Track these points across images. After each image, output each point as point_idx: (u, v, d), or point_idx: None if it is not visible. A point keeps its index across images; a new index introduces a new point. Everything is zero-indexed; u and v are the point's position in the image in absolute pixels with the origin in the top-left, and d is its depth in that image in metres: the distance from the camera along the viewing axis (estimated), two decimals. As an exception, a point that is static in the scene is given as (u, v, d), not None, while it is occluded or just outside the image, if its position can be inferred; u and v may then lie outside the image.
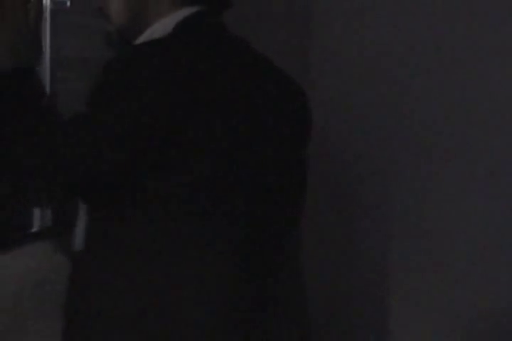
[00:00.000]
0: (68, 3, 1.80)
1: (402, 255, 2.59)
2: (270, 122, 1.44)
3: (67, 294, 1.43)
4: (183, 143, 1.32)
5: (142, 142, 1.31)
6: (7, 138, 1.32)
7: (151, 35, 1.46)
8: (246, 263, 1.39)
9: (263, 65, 1.50)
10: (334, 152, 2.70)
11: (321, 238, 2.66)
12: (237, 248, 1.38)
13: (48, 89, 1.80)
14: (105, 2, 1.49)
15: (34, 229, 1.78)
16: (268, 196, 1.43)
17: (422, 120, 2.54)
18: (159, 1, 1.47)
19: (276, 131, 1.45)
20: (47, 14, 1.78)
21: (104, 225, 1.37)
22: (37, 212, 1.78)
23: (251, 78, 1.44)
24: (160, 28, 1.46)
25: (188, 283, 1.34)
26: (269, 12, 2.55)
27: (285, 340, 1.45)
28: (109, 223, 1.37)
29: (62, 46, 1.82)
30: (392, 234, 2.62)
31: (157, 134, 1.31)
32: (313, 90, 2.67)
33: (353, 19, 2.61)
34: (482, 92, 2.48)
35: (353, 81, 2.63)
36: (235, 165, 1.37)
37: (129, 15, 1.48)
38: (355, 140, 2.66)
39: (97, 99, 1.35)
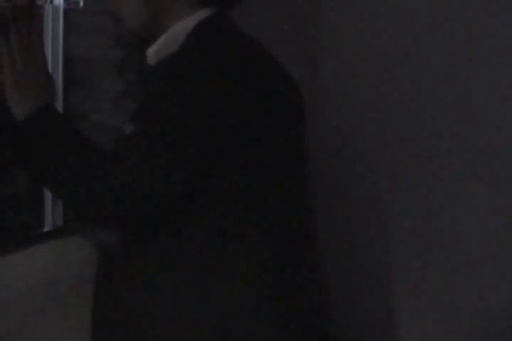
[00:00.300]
0: (81, 3, 1.80)
1: (406, 255, 2.59)
2: (289, 122, 1.48)
3: (102, 293, 1.45)
4: (230, 152, 1.35)
5: (208, 157, 1.33)
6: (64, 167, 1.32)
7: (168, 38, 1.47)
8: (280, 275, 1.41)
9: (274, 62, 1.52)
10: (336, 152, 2.70)
11: (324, 238, 2.66)
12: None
13: (60, 89, 1.80)
14: (118, 6, 1.49)
15: (45, 229, 1.79)
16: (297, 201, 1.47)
17: (424, 120, 2.54)
18: (175, 4, 1.47)
19: (294, 131, 1.50)
20: (60, 14, 1.78)
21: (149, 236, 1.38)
22: (48, 212, 1.78)
23: (271, 79, 1.47)
24: (177, 30, 1.46)
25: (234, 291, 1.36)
26: (275, 13, 2.55)
27: None
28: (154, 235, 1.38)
29: (75, 46, 1.82)
30: (396, 234, 2.62)
31: (218, 147, 1.33)
32: (320, 90, 2.68)
33: (359, 20, 2.61)
34: (483, 93, 2.47)
35: (357, 81, 2.63)
36: (268, 172, 1.40)
37: (145, 19, 1.48)
38: (357, 140, 2.66)
39: (152, 113, 1.34)
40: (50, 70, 1.44)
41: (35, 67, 1.39)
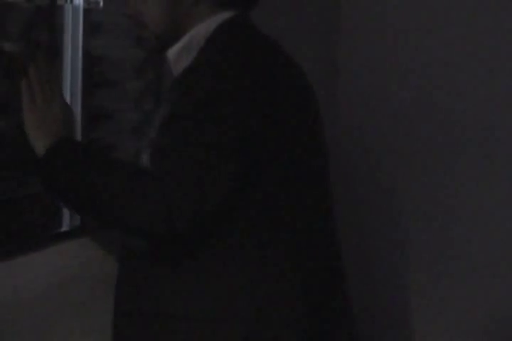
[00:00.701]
0: (101, 3, 1.80)
1: (419, 255, 2.58)
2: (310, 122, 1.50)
3: (123, 295, 1.47)
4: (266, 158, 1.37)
5: (246, 170, 1.34)
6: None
7: (189, 41, 1.48)
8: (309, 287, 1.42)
9: (294, 63, 1.54)
10: (349, 152, 2.70)
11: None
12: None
13: (79, 88, 1.80)
14: (138, 9, 1.49)
15: (63, 229, 1.79)
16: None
17: (448, 131, 2.55)
18: (196, 7, 1.48)
19: (317, 141, 1.51)
20: (80, 14, 1.77)
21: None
22: (66, 212, 1.78)
23: (294, 85, 1.49)
24: (199, 33, 1.48)
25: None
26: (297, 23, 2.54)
27: None
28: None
29: (95, 46, 1.82)
30: (408, 235, 2.61)
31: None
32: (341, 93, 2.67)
33: (380, 29, 2.61)
34: (507, 103, 2.46)
35: (377, 90, 2.63)
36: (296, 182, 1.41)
37: (167, 21, 1.49)
38: (368, 140, 2.66)
39: (187, 129, 1.33)
40: (68, 102, 1.47)
41: (53, 103, 1.42)
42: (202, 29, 1.48)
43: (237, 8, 1.50)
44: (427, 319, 2.59)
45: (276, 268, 1.39)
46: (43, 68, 1.44)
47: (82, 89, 1.80)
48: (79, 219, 1.80)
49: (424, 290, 2.60)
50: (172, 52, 1.52)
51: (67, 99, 1.65)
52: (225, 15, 1.49)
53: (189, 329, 1.38)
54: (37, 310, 1.62)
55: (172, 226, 1.29)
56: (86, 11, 1.78)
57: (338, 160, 2.53)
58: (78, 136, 1.69)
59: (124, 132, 1.95)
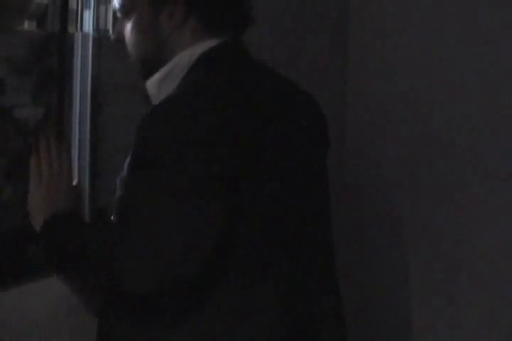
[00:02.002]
0: (111, 31, 1.82)
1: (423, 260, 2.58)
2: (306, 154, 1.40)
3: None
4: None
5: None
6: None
7: (173, 68, 1.37)
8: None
9: (291, 89, 1.45)
10: (354, 162, 2.70)
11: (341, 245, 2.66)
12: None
13: (88, 115, 1.82)
14: (123, 34, 1.41)
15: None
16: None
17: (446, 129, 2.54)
18: (178, 33, 1.37)
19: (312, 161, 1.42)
20: (89, 42, 1.80)
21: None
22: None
23: (285, 107, 1.39)
24: (183, 60, 1.37)
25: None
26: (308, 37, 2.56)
27: None
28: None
29: (105, 72, 1.84)
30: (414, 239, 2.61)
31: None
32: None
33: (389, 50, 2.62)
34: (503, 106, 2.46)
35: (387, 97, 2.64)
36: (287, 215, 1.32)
37: (148, 47, 1.39)
38: (376, 150, 2.67)
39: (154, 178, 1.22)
40: (77, 181, 1.43)
41: (61, 182, 1.39)
42: (186, 56, 1.37)
43: (224, 34, 1.38)
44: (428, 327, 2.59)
45: (265, 323, 1.30)
46: (52, 146, 1.41)
47: (91, 113, 1.83)
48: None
49: (425, 301, 2.60)
50: (151, 81, 1.41)
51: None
52: (211, 42, 1.37)
53: None
54: (47, 333, 1.62)
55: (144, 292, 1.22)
56: (96, 39, 1.80)
57: (342, 179, 2.55)
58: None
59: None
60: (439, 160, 2.55)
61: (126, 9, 1.39)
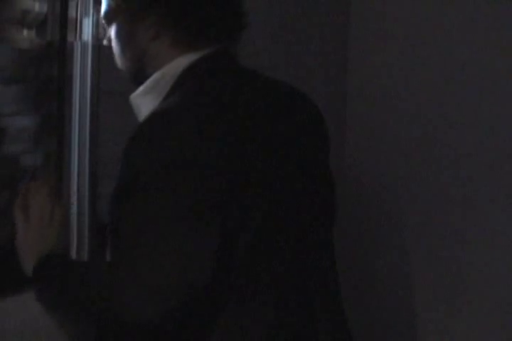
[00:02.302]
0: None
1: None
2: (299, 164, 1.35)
3: None
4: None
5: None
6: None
7: (156, 83, 1.34)
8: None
9: (286, 96, 1.41)
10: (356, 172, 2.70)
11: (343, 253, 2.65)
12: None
13: (88, 122, 1.81)
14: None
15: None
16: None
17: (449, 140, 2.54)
18: (156, 47, 1.33)
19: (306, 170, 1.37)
20: (89, 50, 1.80)
21: None
22: (73, 248, 1.78)
23: (279, 116, 1.34)
24: (167, 74, 1.33)
25: None
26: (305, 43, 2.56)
27: None
28: None
29: (104, 80, 1.84)
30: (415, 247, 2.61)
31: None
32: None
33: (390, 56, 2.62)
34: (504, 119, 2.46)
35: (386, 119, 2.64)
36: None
37: (129, 59, 1.38)
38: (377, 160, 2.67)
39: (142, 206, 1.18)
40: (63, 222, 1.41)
41: (51, 224, 1.38)
42: (170, 70, 1.33)
43: (212, 44, 1.33)
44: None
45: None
46: (44, 186, 1.40)
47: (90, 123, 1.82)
48: (86, 253, 1.80)
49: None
50: (135, 95, 1.39)
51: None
52: (196, 54, 1.33)
53: None
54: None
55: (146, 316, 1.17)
56: (95, 47, 1.80)
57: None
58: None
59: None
60: (440, 162, 2.55)
61: (108, 18, 1.39)
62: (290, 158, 1.33)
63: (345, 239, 2.58)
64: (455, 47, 2.50)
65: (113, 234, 1.25)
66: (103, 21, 1.40)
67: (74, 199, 1.79)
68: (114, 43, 1.38)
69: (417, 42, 2.56)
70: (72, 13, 1.73)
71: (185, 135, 1.20)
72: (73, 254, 1.78)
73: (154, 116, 1.25)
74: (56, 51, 1.72)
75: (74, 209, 1.77)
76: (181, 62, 1.32)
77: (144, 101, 1.36)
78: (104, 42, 1.43)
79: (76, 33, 1.75)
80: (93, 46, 1.80)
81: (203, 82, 1.30)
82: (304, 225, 1.34)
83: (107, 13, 1.39)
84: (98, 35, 1.78)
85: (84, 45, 1.78)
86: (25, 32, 1.66)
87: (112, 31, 1.38)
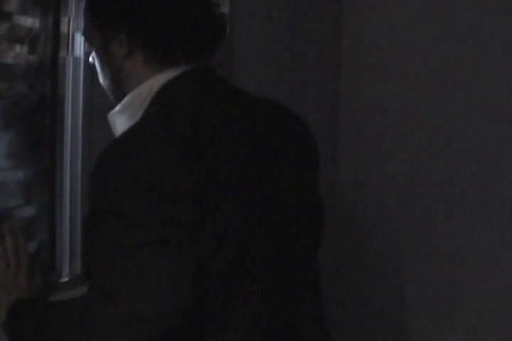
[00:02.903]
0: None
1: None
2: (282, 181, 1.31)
3: None
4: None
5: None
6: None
7: (132, 102, 1.31)
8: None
9: (270, 115, 1.36)
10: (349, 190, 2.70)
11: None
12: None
13: (80, 136, 1.81)
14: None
15: (64, 279, 1.78)
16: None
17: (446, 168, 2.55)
18: (132, 65, 1.30)
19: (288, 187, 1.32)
20: (81, 65, 1.80)
21: None
22: (66, 263, 1.78)
23: (261, 136, 1.30)
24: (142, 93, 1.30)
25: None
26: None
27: None
28: None
29: (96, 95, 1.83)
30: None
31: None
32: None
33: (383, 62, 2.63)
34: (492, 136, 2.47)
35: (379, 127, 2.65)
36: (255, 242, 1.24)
37: (107, 77, 1.35)
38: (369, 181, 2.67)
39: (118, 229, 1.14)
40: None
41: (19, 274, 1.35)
42: (146, 88, 1.29)
43: (190, 62, 1.30)
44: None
45: None
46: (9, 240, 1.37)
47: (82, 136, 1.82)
48: (79, 268, 1.80)
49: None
50: (112, 114, 1.35)
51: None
52: (173, 72, 1.29)
53: None
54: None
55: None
56: (87, 63, 1.80)
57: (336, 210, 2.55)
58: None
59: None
60: (433, 174, 2.56)
61: (85, 36, 1.38)
62: (271, 179, 1.30)
63: (336, 251, 2.58)
64: (448, 64, 2.51)
65: (88, 264, 1.22)
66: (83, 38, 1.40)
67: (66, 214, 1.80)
68: (94, 61, 1.37)
69: (408, 56, 2.58)
70: (64, 28, 1.73)
71: (156, 158, 1.17)
72: (66, 271, 1.80)
73: (121, 139, 1.22)
74: (48, 66, 1.71)
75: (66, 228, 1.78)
76: (158, 81, 1.29)
77: (121, 119, 1.33)
78: (90, 59, 1.41)
79: (68, 48, 1.75)
80: (85, 61, 1.80)
81: (177, 101, 1.27)
82: (285, 248, 1.32)
83: (84, 30, 1.38)
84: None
85: (76, 60, 1.78)
86: (17, 48, 1.66)
87: (92, 50, 1.38)
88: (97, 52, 1.35)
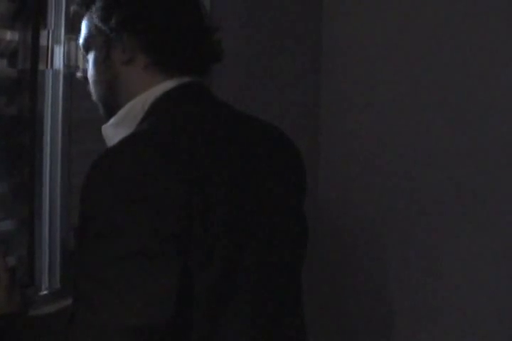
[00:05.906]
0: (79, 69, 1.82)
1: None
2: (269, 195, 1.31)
3: None
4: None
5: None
6: None
7: (128, 113, 1.32)
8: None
9: (254, 130, 1.38)
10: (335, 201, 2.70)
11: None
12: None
13: (59, 151, 1.81)
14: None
15: (43, 292, 1.77)
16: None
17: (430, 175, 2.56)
18: (129, 74, 1.31)
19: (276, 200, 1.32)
20: (60, 78, 1.80)
21: None
22: (45, 276, 1.77)
23: (244, 150, 1.31)
24: (137, 104, 1.31)
25: None
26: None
27: None
28: None
29: (76, 109, 1.83)
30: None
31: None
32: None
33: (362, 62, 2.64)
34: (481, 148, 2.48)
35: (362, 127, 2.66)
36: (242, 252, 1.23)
37: (103, 89, 1.35)
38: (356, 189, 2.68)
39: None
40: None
41: None
42: (141, 100, 1.30)
43: (184, 74, 1.31)
44: None
45: None
46: None
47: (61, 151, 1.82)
48: (58, 281, 1.79)
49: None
50: (106, 126, 1.36)
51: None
52: (167, 85, 1.30)
53: None
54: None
55: None
56: (66, 75, 1.80)
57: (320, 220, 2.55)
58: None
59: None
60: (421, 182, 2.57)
61: (86, 45, 1.37)
62: (260, 191, 1.31)
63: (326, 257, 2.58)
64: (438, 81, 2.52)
65: (74, 273, 1.22)
66: (81, 49, 1.39)
67: (46, 227, 1.79)
68: (89, 71, 1.36)
69: (393, 68, 2.59)
70: (43, 41, 1.73)
71: (145, 170, 1.17)
72: (45, 285, 1.79)
73: (112, 150, 1.22)
74: (28, 80, 1.71)
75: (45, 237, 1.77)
76: (153, 93, 1.30)
77: (117, 131, 1.33)
78: (78, 75, 1.40)
79: (47, 61, 1.75)
80: (64, 74, 1.80)
81: (170, 114, 1.28)
82: (272, 260, 1.32)
83: (85, 39, 1.37)
84: (69, 63, 1.79)
85: (55, 73, 1.78)
86: (-4, 61, 1.66)
87: (89, 59, 1.37)
88: (95, 62, 1.35)
